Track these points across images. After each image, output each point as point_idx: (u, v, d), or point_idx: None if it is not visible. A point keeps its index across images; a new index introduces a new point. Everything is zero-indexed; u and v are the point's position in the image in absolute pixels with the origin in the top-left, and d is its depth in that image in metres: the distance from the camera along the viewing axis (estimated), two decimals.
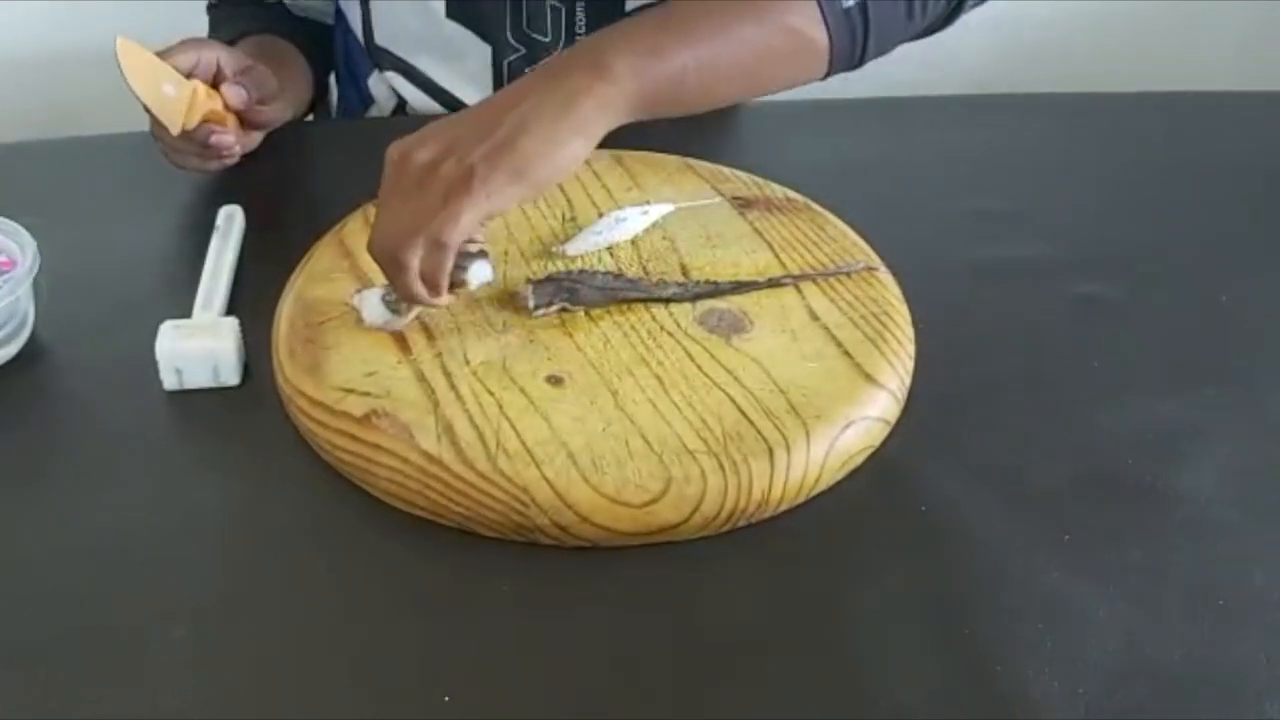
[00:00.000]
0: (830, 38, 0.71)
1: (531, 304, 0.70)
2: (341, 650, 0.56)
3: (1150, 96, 1.01)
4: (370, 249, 0.65)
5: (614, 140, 0.86)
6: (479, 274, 0.68)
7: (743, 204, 0.81)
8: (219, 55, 0.82)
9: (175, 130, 0.78)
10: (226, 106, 0.81)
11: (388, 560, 0.61)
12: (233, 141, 0.81)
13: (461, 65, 0.96)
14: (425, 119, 0.95)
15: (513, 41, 0.94)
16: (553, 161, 0.63)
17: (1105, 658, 0.56)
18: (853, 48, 0.72)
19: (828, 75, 0.74)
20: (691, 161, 0.85)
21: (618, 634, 0.57)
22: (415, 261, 0.63)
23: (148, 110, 0.79)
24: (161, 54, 0.79)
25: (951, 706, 0.54)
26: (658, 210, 0.79)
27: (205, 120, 0.80)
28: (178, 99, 0.78)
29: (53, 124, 0.98)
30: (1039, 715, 0.53)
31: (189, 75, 0.80)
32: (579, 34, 0.94)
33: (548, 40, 0.94)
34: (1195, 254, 0.83)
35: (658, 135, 0.88)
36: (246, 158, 0.85)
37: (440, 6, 0.92)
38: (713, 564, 0.60)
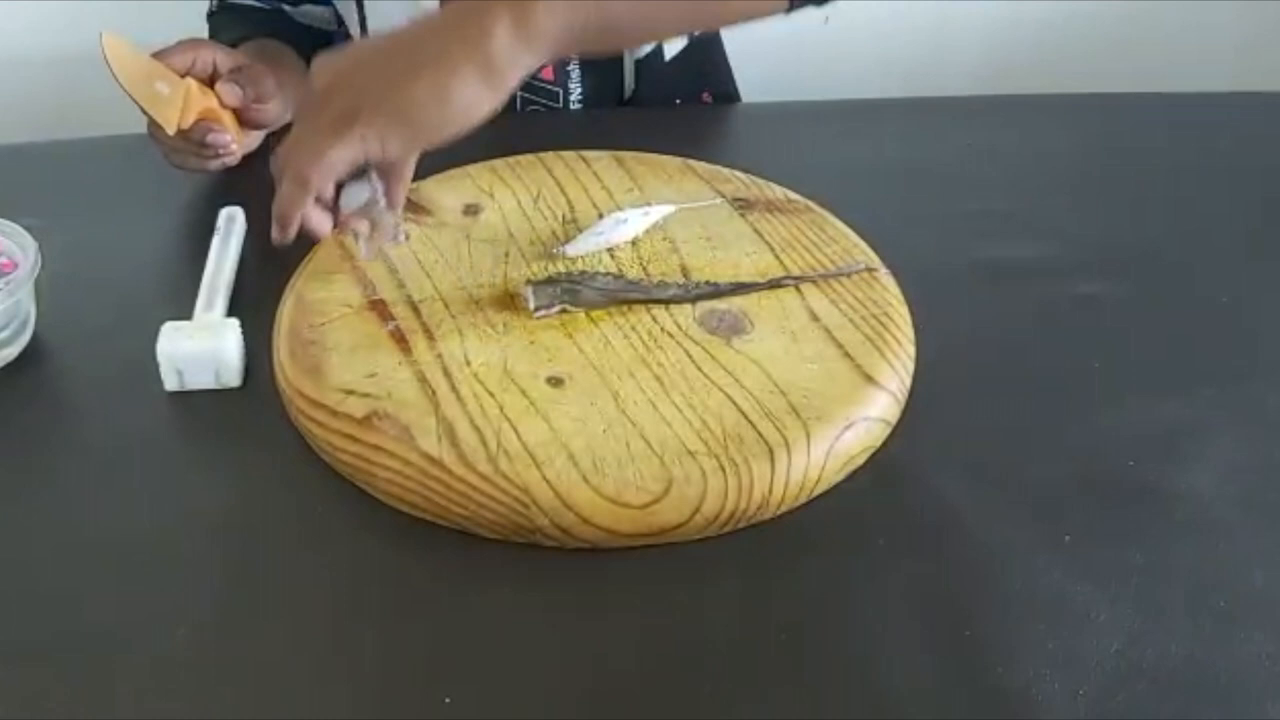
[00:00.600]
0: None
1: (532, 305, 0.70)
2: (342, 651, 0.56)
3: (1150, 97, 1.01)
4: (270, 162, 0.64)
5: (614, 141, 0.87)
6: (354, 197, 0.66)
7: (743, 205, 0.81)
8: (215, 55, 0.82)
9: (171, 129, 0.78)
10: (223, 104, 0.81)
11: (388, 562, 0.61)
12: (230, 139, 0.81)
13: None
14: None
15: None
16: (445, 112, 0.59)
17: (1106, 658, 0.56)
18: None
19: (791, 9, 0.68)
20: (692, 162, 0.85)
21: (618, 635, 0.57)
22: (302, 187, 0.61)
23: (143, 110, 0.79)
24: (158, 54, 0.79)
25: (952, 707, 0.54)
26: (658, 211, 0.79)
27: (201, 119, 0.80)
28: (171, 97, 0.78)
29: (54, 125, 0.97)
30: (1040, 716, 0.54)
31: (184, 74, 0.80)
32: None
33: None
34: (1196, 254, 0.83)
35: (658, 136, 0.89)
36: (247, 158, 0.85)
37: (434, 7, 0.92)
38: (714, 565, 0.61)
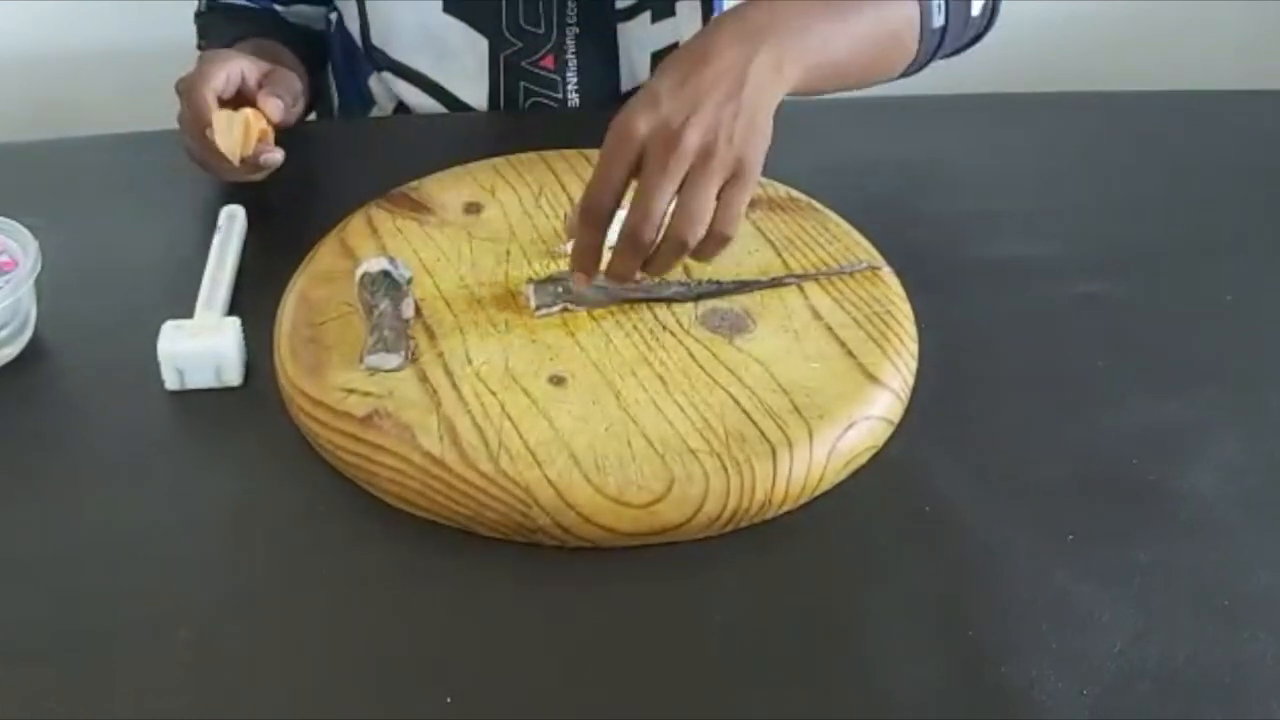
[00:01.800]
0: (920, 34, 0.76)
1: (533, 304, 0.70)
2: (343, 651, 0.56)
3: (1151, 96, 1.01)
4: (640, 230, 0.63)
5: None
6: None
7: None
8: (242, 66, 0.81)
9: (236, 161, 0.77)
10: (269, 121, 0.80)
11: (389, 561, 0.61)
12: (281, 156, 0.80)
13: (457, 61, 0.95)
14: (426, 120, 0.96)
15: (509, 35, 0.94)
16: (768, 138, 0.65)
17: (1109, 658, 0.56)
18: (925, 59, 0.78)
19: (896, 77, 0.78)
20: None
21: (620, 635, 0.57)
22: (688, 249, 0.63)
23: (203, 151, 0.78)
24: (200, 79, 0.78)
25: (955, 707, 0.54)
26: None
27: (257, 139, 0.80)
28: (240, 134, 0.77)
29: (55, 124, 0.97)
30: (1042, 715, 0.53)
31: (222, 95, 0.80)
32: (569, 24, 0.94)
33: (541, 32, 0.94)
34: (1198, 253, 0.83)
35: None
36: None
37: (437, 4, 0.92)
38: (715, 564, 0.60)
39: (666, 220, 0.63)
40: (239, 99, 0.81)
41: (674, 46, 0.98)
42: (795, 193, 0.82)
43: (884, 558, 0.61)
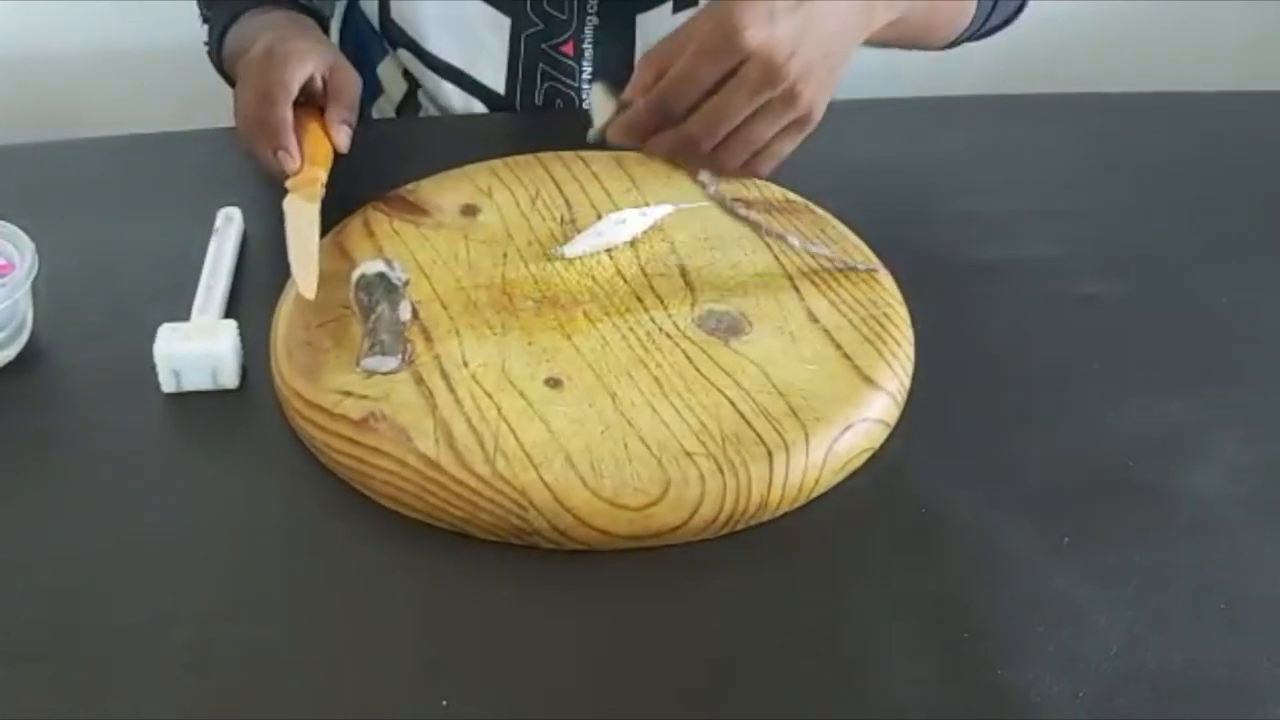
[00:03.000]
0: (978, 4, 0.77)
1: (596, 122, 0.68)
2: (338, 653, 0.56)
3: (1150, 96, 1.01)
4: (703, 128, 0.62)
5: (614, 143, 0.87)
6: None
7: (742, 205, 0.81)
8: (317, 65, 0.79)
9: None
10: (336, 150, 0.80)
11: (385, 564, 0.61)
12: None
13: (479, 42, 0.95)
14: (428, 120, 0.96)
15: (532, 15, 0.94)
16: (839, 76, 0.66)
17: (1107, 660, 0.56)
18: (976, 27, 0.78)
19: (945, 46, 0.79)
20: None
21: (616, 637, 0.57)
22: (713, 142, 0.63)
23: (267, 166, 0.78)
24: (280, 88, 0.76)
25: (951, 709, 0.54)
26: (657, 212, 0.78)
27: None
28: (317, 214, 0.77)
29: (52, 126, 0.97)
30: (1039, 717, 0.53)
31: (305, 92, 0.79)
32: (589, 14, 0.94)
33: (564, 17, 0.94)
34: (1197, 254, 0.83)
35: None
36: (246, 160, 0.85)
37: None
38: (712, 567, 0.60)
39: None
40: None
41: None
42: (792, 195, 0.82)
43: (880, 560, 0.61)
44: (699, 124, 0.62)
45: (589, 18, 0.95)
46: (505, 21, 0.94)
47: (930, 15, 0.73)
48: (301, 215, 0.75)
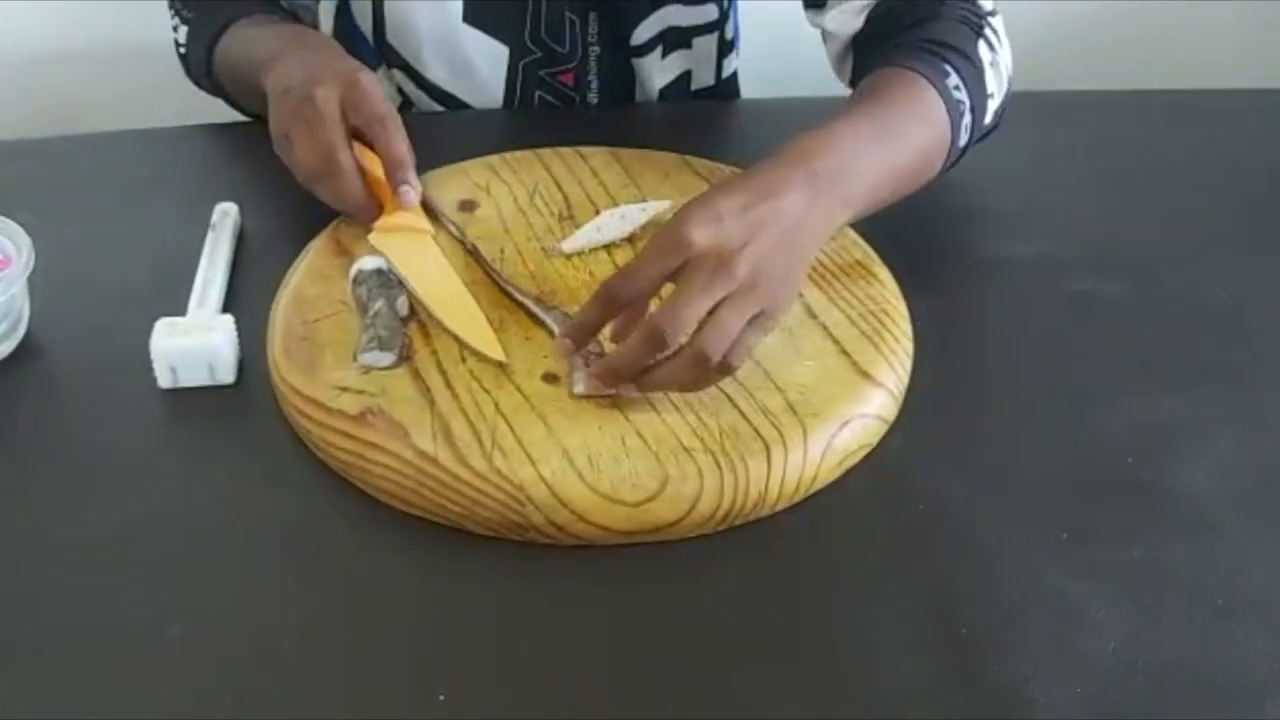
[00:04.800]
0: (947, 155, 0.77)
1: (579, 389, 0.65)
2: (335, 648, 0.56)
3: (1149, 95, 1.01)
4: (665, 330, 0.61)
5: (612, 138, 0.87)
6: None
7: None
8: (358, 116, 0.76)
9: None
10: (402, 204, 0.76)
11: (382, 558, 0.61)
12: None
13: (471, 68, 0.95)
14: (423, 118, 0.96)
15: (529, 44, 0.95)
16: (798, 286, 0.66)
17: (1103, 657, 0.56)
18: (947, 168, 0.78)
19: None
20: (689, 159, 0.85)
21: (614, 632, 0.57)
22: (700, 374, 0.62)
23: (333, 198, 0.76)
24: (334, 137, 0.74)
25: (948, 705, 0.54)
26: (655, 208, 0.78)
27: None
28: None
29: (49, 122, 0.97)
30: (1036, 714, 0.53)
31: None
32: (590, 44, 0.95)
33: (564, 51, 0.95)
34: (1194, 252, 0.83)
35: (656, 133, 0.88)
36: (243, 155, 0.85)
37: (458, 9, 0.92)
38: (709, 563, 0.60)
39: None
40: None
41: (685, 76, 1.00)
42: None
43: (878, 556, 0.61)
44: (661, 316, 0.61)
45: (590, 48, 0.95)
46: (503, 50, 0.95)
47: (897, 185, 0.73)
48: (418, 254, 0.72)
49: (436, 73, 0.96)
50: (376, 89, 0.76)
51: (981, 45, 0.78)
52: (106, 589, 0.58)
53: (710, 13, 0.96)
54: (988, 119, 0.79)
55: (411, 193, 0.75)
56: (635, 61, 0.97)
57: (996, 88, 0.79)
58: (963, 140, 0.77)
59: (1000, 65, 0.80)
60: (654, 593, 0.59)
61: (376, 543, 0.61)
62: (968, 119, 0.76)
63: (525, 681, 0.55)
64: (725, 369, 0.62)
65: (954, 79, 0.76)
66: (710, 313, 0.61)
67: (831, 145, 0.68)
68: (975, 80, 0.77)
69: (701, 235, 0.62)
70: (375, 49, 0.97)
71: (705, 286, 0.61)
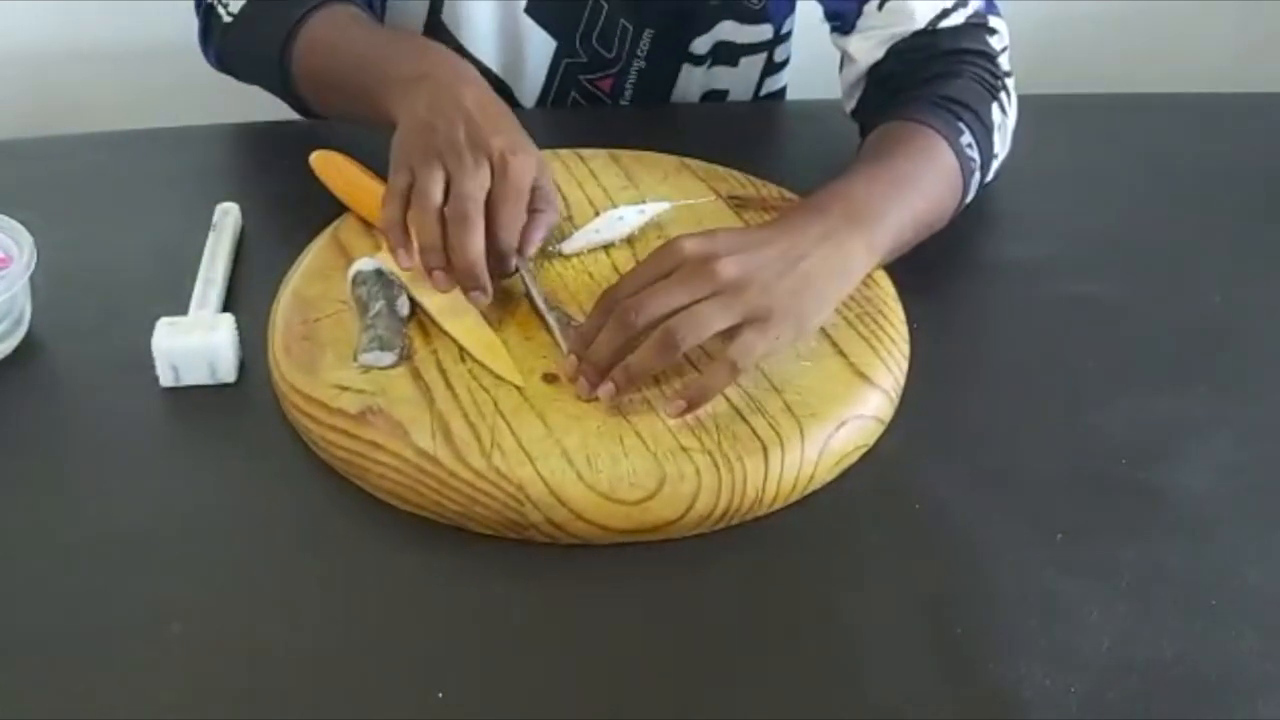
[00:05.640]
0: (960, 199, 0.79)
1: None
2: (335, 646, 0.56)
3: (1148, 98, 1.01)
4: (631, 312, 0.63)
5: (611, 139, 0.87)
6: None
7: (738, 203, 0.81)
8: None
9: None
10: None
11: (382, 558, 0.61)
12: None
13: (520, 55, 0.96)
14: None
15: (579, 47, 0.96)
16: (820, 320, 0.68)
17: (1097, 656, 0.56)
18: (957, 212, 0.79)
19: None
20: (688, 161, 0.85)
21: (612, 631, 0.57)
22: (674, 353, 0.63)
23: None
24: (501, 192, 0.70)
25: (943, 704, 0.54)
26: (654, 209, 0.79)
27: None
28: None
29: (51, 121, 0.97)
30: (1031, 713, 0.54)
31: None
32: (638, 57, 0.96)
33: (610, 56, 0.96)
34: (1190, 254, 0.83)
35: (655, 134, 0.89)
36: (244, 155, 0.85)
37: (521, 2, 0.93)
38: (707, 562, 0.61)
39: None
40: None
41: (723, 93, 1.01)
42: (788, 193, 0.83)
43: (874, 556, 0.61)
44: (629, 300, 0.63)
45: (636, 60, 0.96)
46: (552, 45, 0.95)
47: (917, 231, 0.75)
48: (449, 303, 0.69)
49: (487, 56, 0.96)
50: (526, 180, 0.71)
51: (994, 107, 0.81)
52: (106, 587, 0.59)
53: (765, 32, 0.98)
54: (989, 176, 0.82)
55: (483, 298, 0.69)
56: (680, 72, 0.98)
57: (1001, 149, 0.82)
58: (969, 196, 0.79)
59: (1007, 128, 0.82)
60: (651, 592, 0.59)
61: (376, 541, 0.61)
62: (977, 176, 0.79)
63: (523, 680, 0.55)
64: (729, 367, 0.63)
65: (967, 137, 0.78)
66: (699, 303, 0.63)
67: (847, 194, 0.71)
68: (985, 139, 0.80)
69: (693, 244, 0.65)
70: (425, 29, 0.94)
71: (683, 280, 0.63)
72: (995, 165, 0.82)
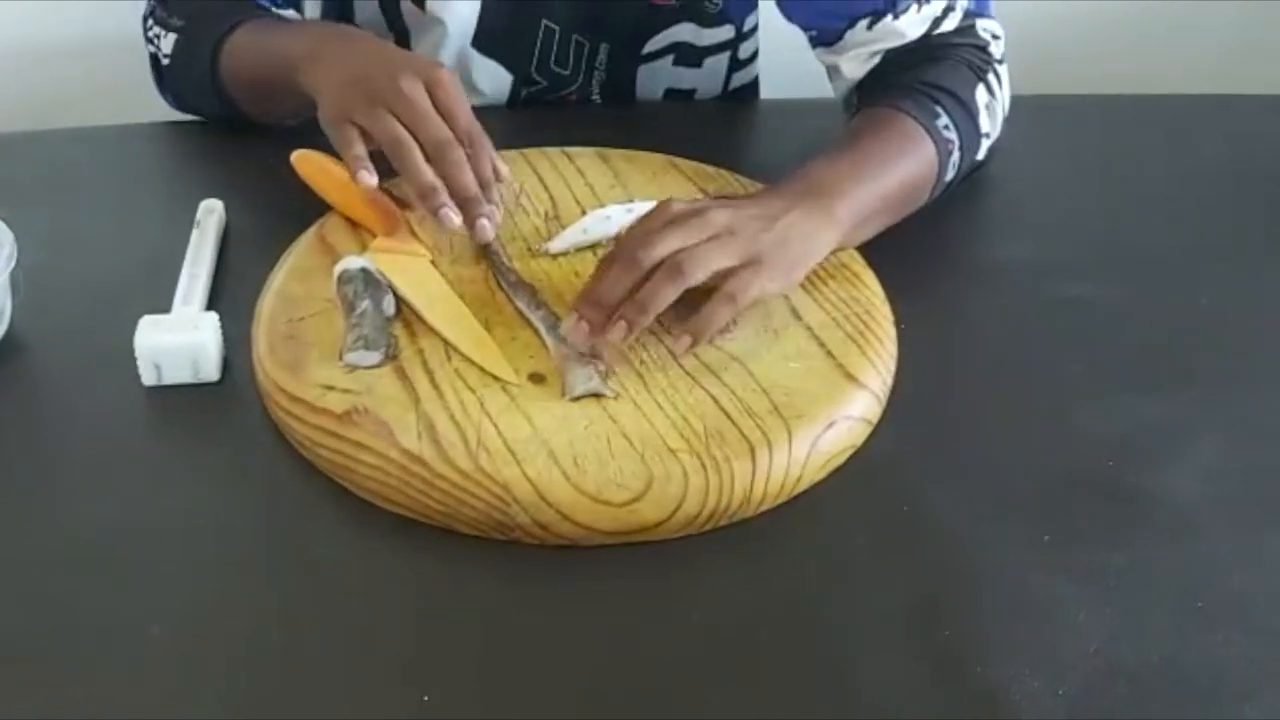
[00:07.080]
0: (937, 177, 0.80)
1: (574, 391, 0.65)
2: (320, 648, 0.56)
3: (1141, 99, 1.01)
4: (639, 250, 0.65)
5: (598, 138, 0.87)
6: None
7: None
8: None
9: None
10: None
11: (367, 558, 0.60)
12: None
13: (475, 93, 0.95)
14: None
15: (535, 75, 0.95)
16: (801, 274, 0.71)
17: (1085, 659, 0.56)
18: (934, 199, 0.81)
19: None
20: (676, 160, 0.85)
21: (598, 633, 0.57)
22: (682, 283, 0.65)
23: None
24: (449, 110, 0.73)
25: (932, 706, 0.54)
26: (642, 208, 0.78)
27: None
28: None
29: (32, 117, 0.97)
30: (1019, 716, 0.54)
31: None
32: (597, 69, 0.96)
33: (567, 73, 0.96)
34: (1179, 257, 0.83)
35: (643, 133, 0.88)
36: (228, 152, 0.85)
37: (469, 33, 0.93)
38: (694, 563, 0.60)
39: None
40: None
41: (691, 92, 1.01)
42: None
43: (862, 558, 0.61)
44: (633, 242, 0.67)
45: (596, 72, 0.96)
46: (507, 78, 0.96)
47: (887, 209, 0.77)
48: (417, 274, 0.71)
49: None
50: (461, 91, 0.75)
51: (980, 89, 0.82)
52: (88, 588, 0.58)
53: (726, 33, 0.97)
54: (979, 155, 0.83)
55: (489, 227, 0.72)
56: (641, 69, 0.98)
57: (991, 128, 0.83)
58: (949, 175, 0.80)
59: (996, 108, 0.83)
60: (639, 592, 0.59)
61: (361, 541, 0.61)
62: (956, 156, 0.80)
63: (510, 682, 0.55)
64: (727, 299, 0.65)
65: (944, 119, 0.79)
66: (696, 245, 0.66)
67: (805, 175, 0.74)
68: (967, 120, 0.80)
69: (682, 204, 0.69)
70: None
71: (679, 225, 0.67)
72: (985, 144, 0.83)
